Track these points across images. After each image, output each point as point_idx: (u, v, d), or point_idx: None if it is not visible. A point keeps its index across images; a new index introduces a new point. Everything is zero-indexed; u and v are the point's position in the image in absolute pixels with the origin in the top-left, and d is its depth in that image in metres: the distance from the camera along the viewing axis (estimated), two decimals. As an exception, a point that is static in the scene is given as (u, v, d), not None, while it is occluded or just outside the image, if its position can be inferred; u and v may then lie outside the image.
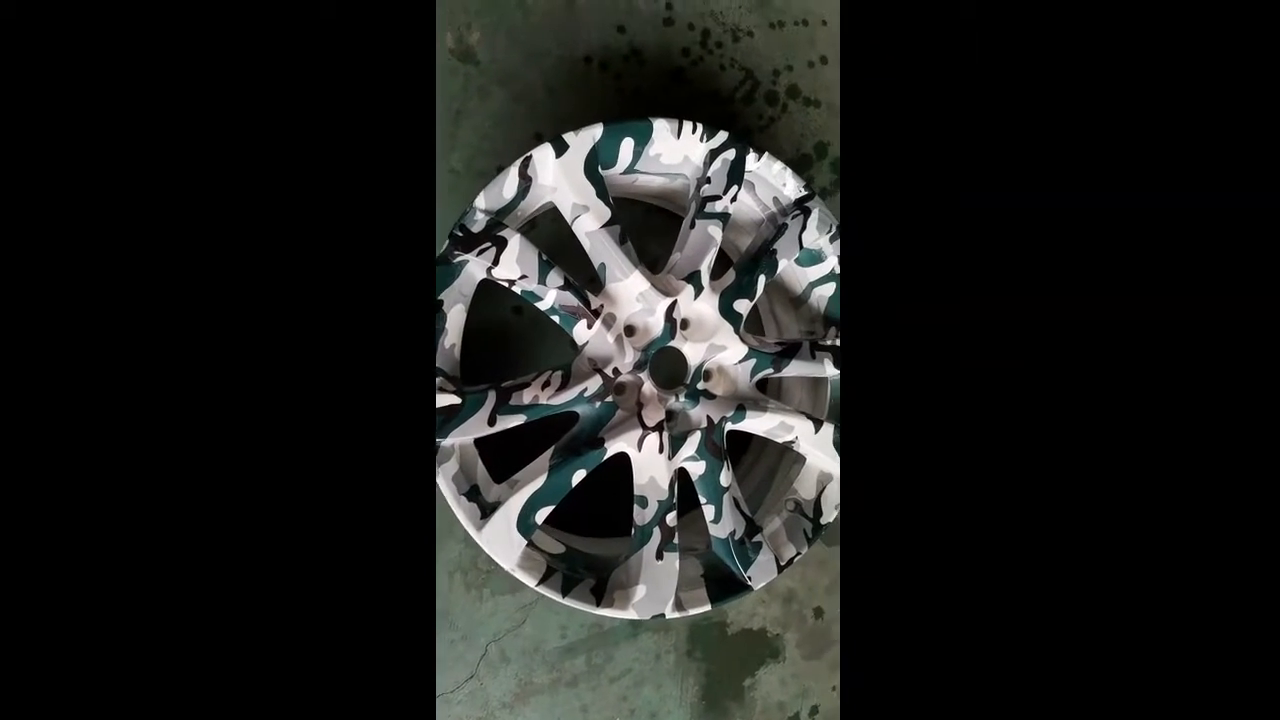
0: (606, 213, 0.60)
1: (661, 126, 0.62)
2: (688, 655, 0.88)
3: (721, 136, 0.64)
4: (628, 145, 0.62)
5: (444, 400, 0.56)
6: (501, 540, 0.57)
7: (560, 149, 0.59)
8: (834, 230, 0.69)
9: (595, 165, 0.60)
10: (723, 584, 0.65)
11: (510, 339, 0.79)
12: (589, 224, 0.60)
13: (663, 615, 0.61)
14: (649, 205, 0.82)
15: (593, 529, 0.73)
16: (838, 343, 0.69)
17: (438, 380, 0.57)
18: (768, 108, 0.91)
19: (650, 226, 0.83)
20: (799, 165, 0.93)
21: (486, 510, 0.57)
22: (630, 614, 0.60)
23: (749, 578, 0.65)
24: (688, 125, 0.63)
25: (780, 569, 0.66)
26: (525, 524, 0.57)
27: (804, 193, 0.68)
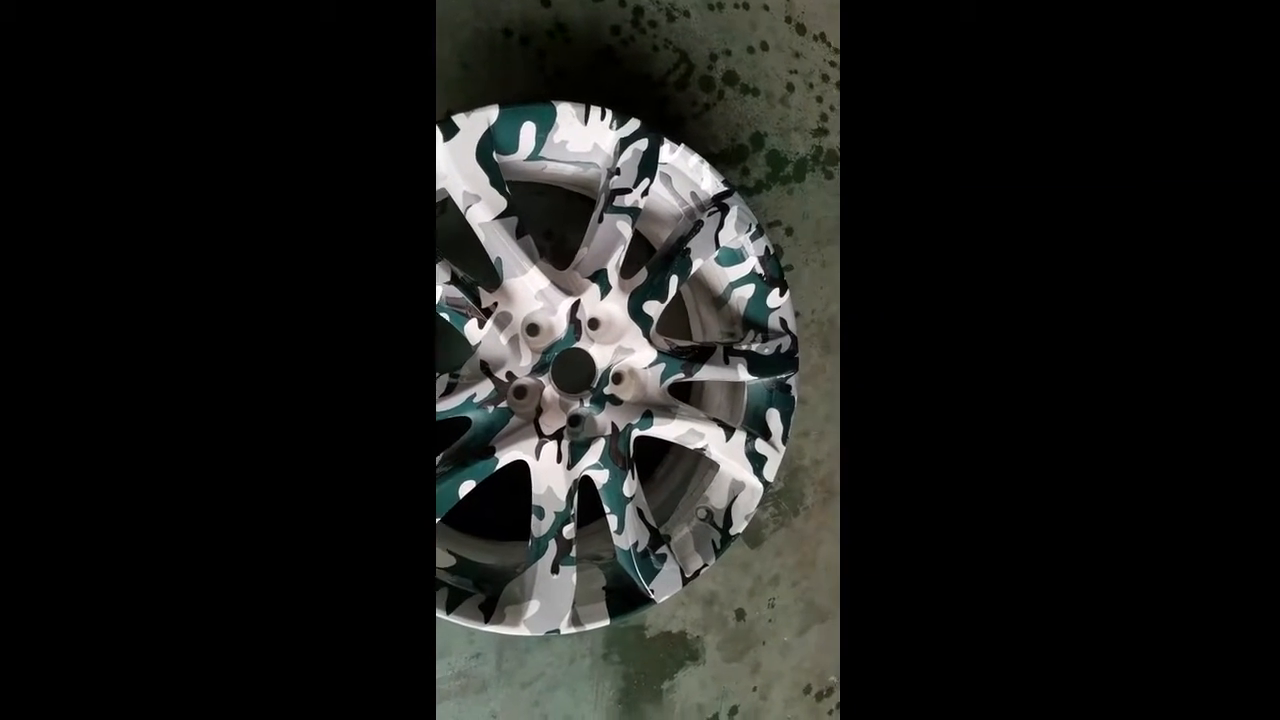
0: (502, 203, 0.55)
1: (566, 111, 0.57)
2: (604, 659, 0.86)
3: (633, 125, 0.60)
4: (529, 130, 0.57)
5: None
6: (376, 556, 0.53)
7: (449, 132, 0.54)
8: (754, 229, 0.66)
9: (489, 151, 0.55)
10: (625, 596, 0.63)
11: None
12: (481, 215, 0.55)
13: (557, 631, 0.58)
14: (570, 192, 0.77)
15: (498, 533, 0.69)
16: (753, 348, 0.66)
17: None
18: (703, 94, 0.87)
19: (572, 214, 0.78)
20: (733, 156, 0.89)
21: (362, 523, 0.53)
22: (522, 630, 0.57)
23: (651, 590, 0.62)
24: (595, 111, 0.58)
25: (685, 581, 0.63)
26: (403, 538, 0.53)
27: (723, 188, 0.64)
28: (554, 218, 0.78)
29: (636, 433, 0.62)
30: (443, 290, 0.55)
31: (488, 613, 0.57)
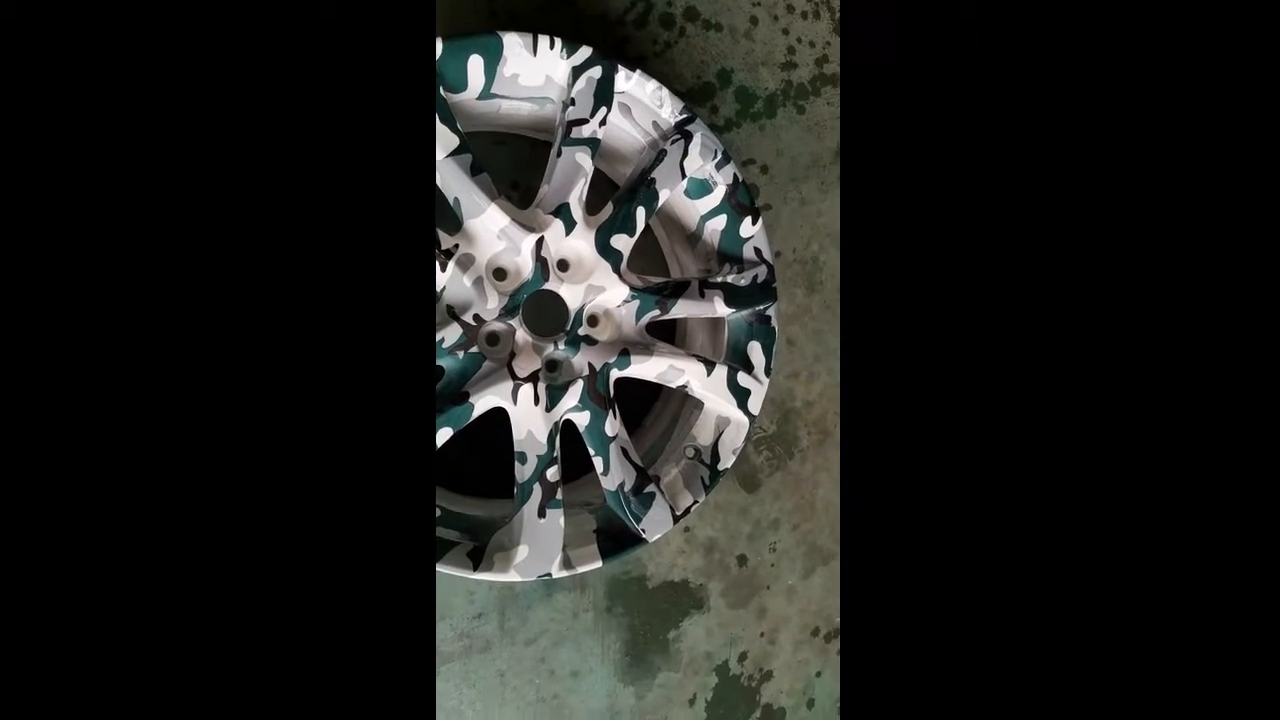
0: (453, 140, 0.54)
1: (513, 41, 0.55)
2: (607, 611, 0.86)
3: (585, 52, 0.58)
4: (476, 64, 0.55)
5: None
6: (355, 508, 0.52)
7: (392, 68, 0.52)
8: (720, 155, 0.64)
9: (438, 88, 0.53)
10: (616, 538, 0.62)
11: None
12: (436, 153, 0.53)
13: (549, 575, 0.58)
14: (534, 140, 0.75)
15: (491, 492, 0.69)
16: (729, 279, 0.65)
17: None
18: (663, 31, 0.85)
19: (536, 162, 0.76)
20: (700, 94, 0.87)
21: (338, 477, 0.52)
22: (512, 576, 0.57)
23: (642, 530, 0.61)
24: (544, 40, 0.56)
25: (676, 519, 0.63)
26: (382, 489, 0.52)
27: (683, 115, 0.62)
28: (518, 168, 0.76)
29: (615, 373, 0.61)
30: (400, 235, 0.53)
31: (476, 560, 0.56)
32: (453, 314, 0.55)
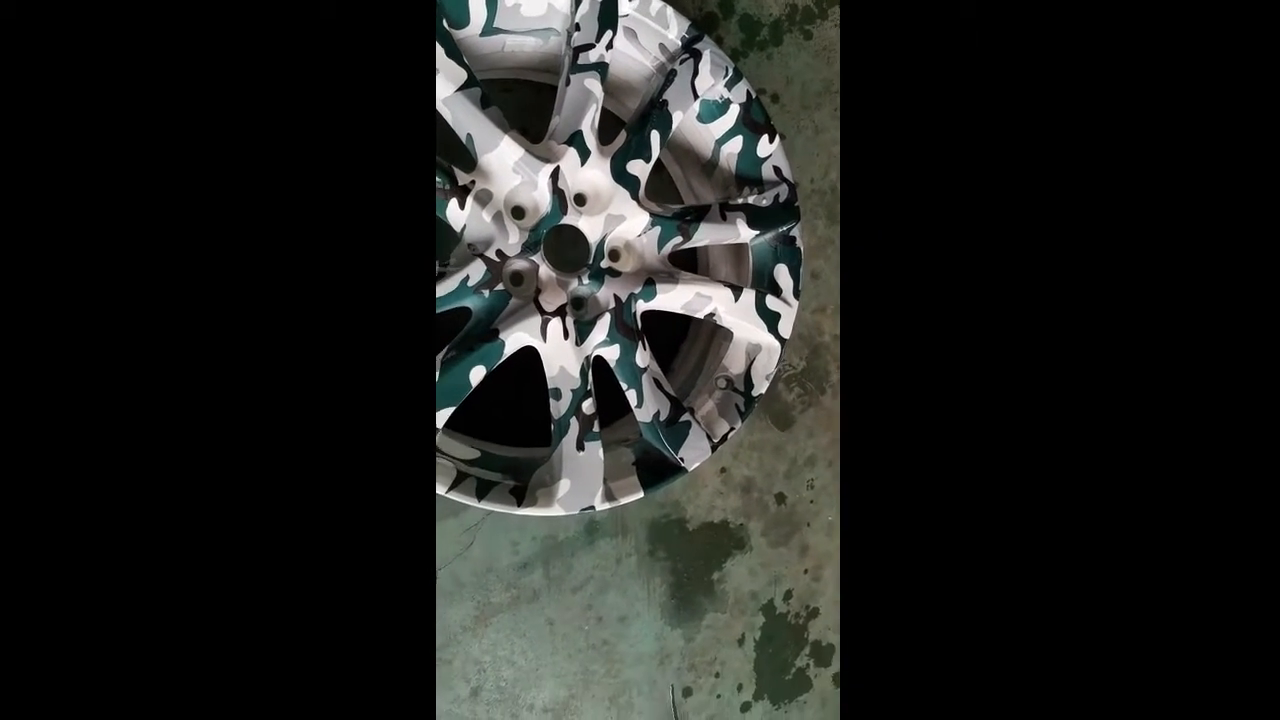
0: (462, 74, 0.53)
1: (512, -33, 0.54)
2: (650, 555, 0.86)
3: (586, -26, 0.57)
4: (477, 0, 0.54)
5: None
6: (397, 448, 0.53)
7: (393, 2, 0.52)
8: (730, 73, 0.62)
9: (440, 21, 0.53)
10: (655, 469, 0.62)
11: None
12: (443, 89, 0.53)
13: (592, 508, 0.59)
14: (539, 85, 0.74)
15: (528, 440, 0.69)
16: (750, 200, 0.64)
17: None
18: (661, -38, 0.82)
19: (542, 107, 0.75)
20: (704, 25, 0.85)
21: (378, 419, 0.53)
22: (556, 510, 0.57)
23: (681, 459, 0.62)
24: (544, -36, 0.55)
25: (714, 446, 0.63)
26: (421, 428, 0.53)
27: (691, 34, 0.61)
28: (526, 115, 0.75)
29: (641, 304, 0.60)
30: (417, 174, 0.53)
31: (519, 497, 0.57)
32: (475, 251, 0.55)
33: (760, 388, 0.65)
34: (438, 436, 0.55)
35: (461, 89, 0.53)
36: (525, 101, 0.76)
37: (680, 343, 0.79)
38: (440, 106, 0.54)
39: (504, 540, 0.81)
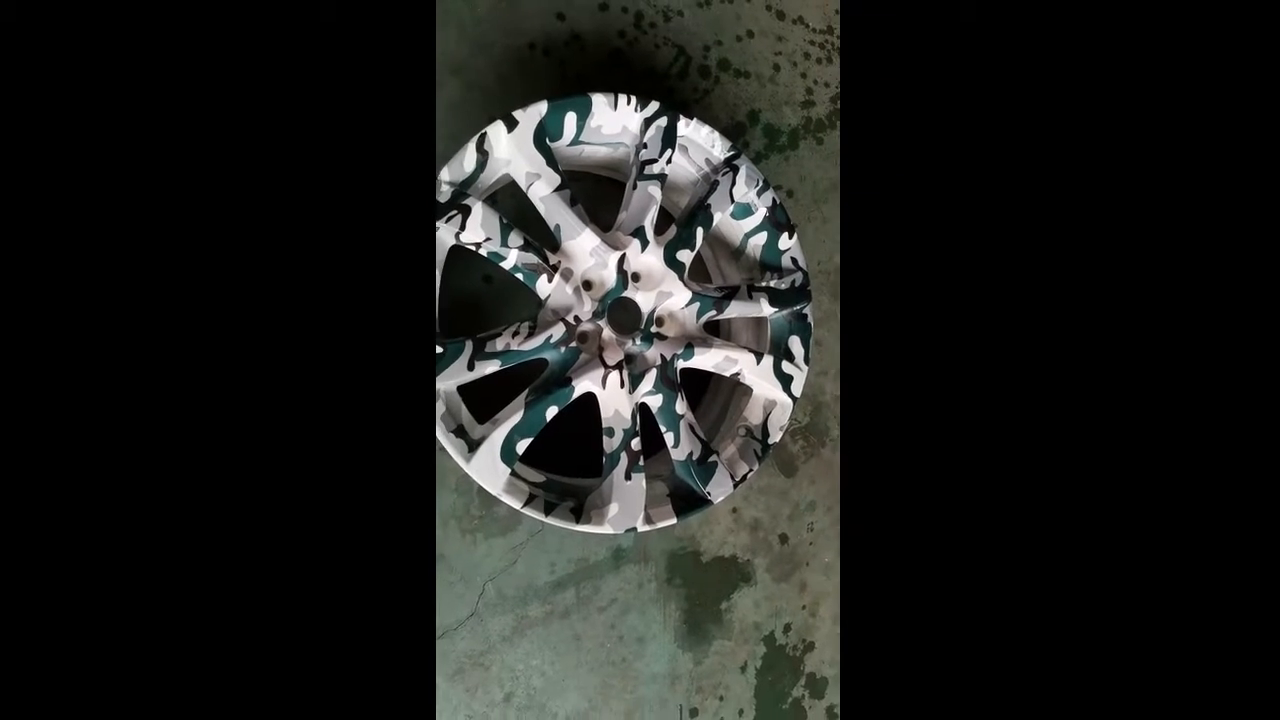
0: (557, 179, 0.69)
1: (599, 100, 0.72)
2: (668, 583, 0.98)
3: (654, 106, 0.74)
4: (571, 119, 0.71)
5: (427, 351, 0.65)
6: (488, 469, 0.66)
7: (511, 125, 0.68)
8: (761, 184, 0.79)
9: (543, 138, 0.69)
10: (686, 499, 0.76)
11: (482, 306, 0.88)
12: (542, 189, 0.69)
13: (634, 529, 0.72)
14: (599, 176, 0.91)
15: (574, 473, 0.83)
16: (771, 284, 0.80)
17: (420, 335, 0.66)
18: (701, 81, 1.01)
19: (602, 195, 0.92)
20: (733, 132, 1.03)
21: (473, 445, 0.67)
22: (606, 529, 0.70)
23: (709, 493, 0.75)
24: (623, 98, 0.72)
25: (736, 484, 0.77)
26: (508, 454, 0.67)
27: (732, 152, 0.78)
28: (587, 199, 0.92)
29: (681, 363, 0.75)
30: (517, 255, 0.69)
31: (577, 515, 0.70)
32: (558, 316, 0.70)
33: (775, 437, 0.80)
34: (515, 464, 0.68)
35: (556, 190, 0.69)
36: (588, 190, 0.93)
37: (702, 395, 0.94)
38: (538, 202, 0.70)
39: (543, 561, 0.93)
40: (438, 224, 0.67)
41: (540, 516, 0.69)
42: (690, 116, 0.74)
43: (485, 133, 0.68)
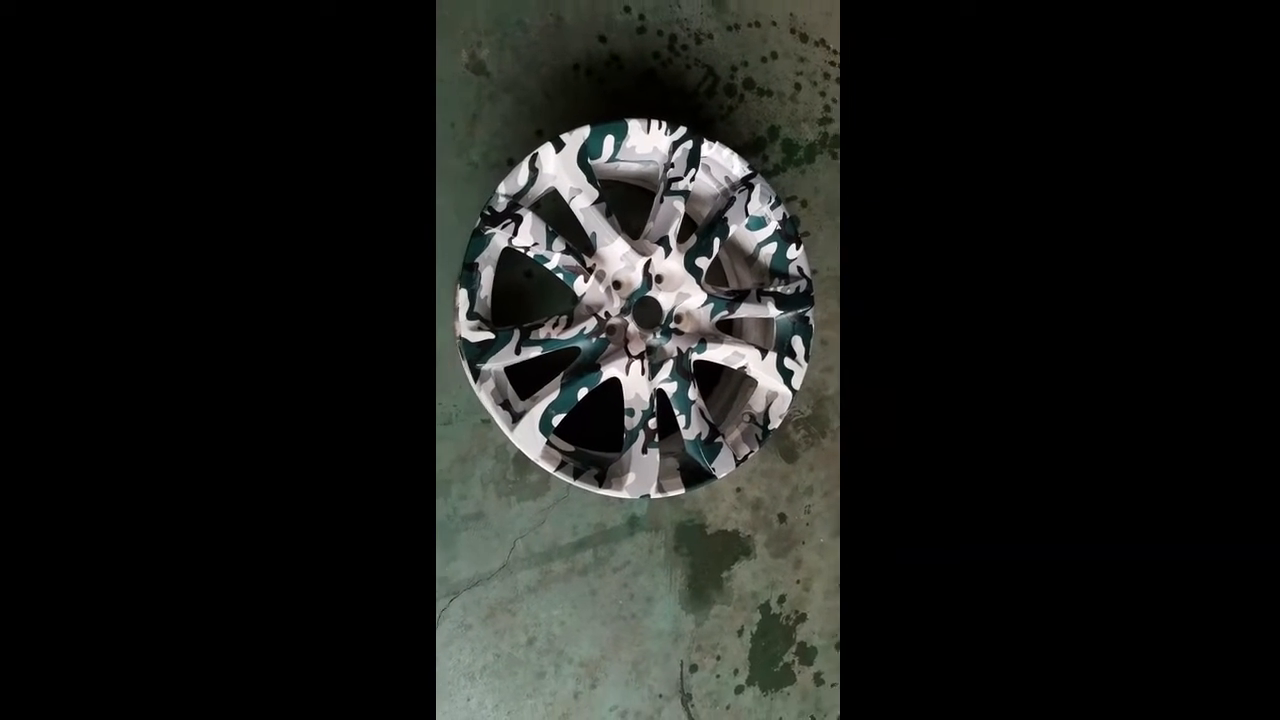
0: (595, 193, 0.82)
1: (634, 125, 0.84)
2: (675, 550, 1.12)
3: (682, 130, 0.86)
4: (609, 141, 0.84)
5: (482, 335, 0.79)
6: (528, 437, 0.80)
7: (559, 146, 0.81)
8: (774, 200, 0.91)
9: (585, 157, 0.82)
10: (694, 474, 0.89)
11: (523, 296, 1.02)
12: (582, 202, 0.82)
13: (648, 495, 0.85)
14: (630, 185, 1.04)
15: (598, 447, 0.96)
16: (778, 289, 0.92)
17: (476, 321, 0.79)
18: (727, 99, 1.13)
19: (632, 202, 1.05)
20: (754, 147, 1.15)
21: (516, 417, 0.80)
22: (625, 494, 0.84)
23: (713, 469, 0.88)
24: (655, 123, 0.85)
25: (738, 463, 0.89)
26: (545, 426, 0.80)
27: (748, 172, 0.90)
28: (620, 206, 1.05)
29: (695, 356, 0.88)
30: (559, 257, 0.82)
31: (600, 480, 0.84)
32: (590, 311, 0.84)
33: (775, 424, 0.92)
34: (550, 435, 0.82)
35: (594, 203, 0.82)
36: (620, 197, 1.06)
37: (714, 385, 1.06)
38: (578, 213, 0.83)
39: (567, 523, 1.07)
40: (494, 230, 0.80)
41: (569, 480, 0.83)
42: (715, 135, 0.86)
43: (537, 152, 0.81)
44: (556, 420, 0.81)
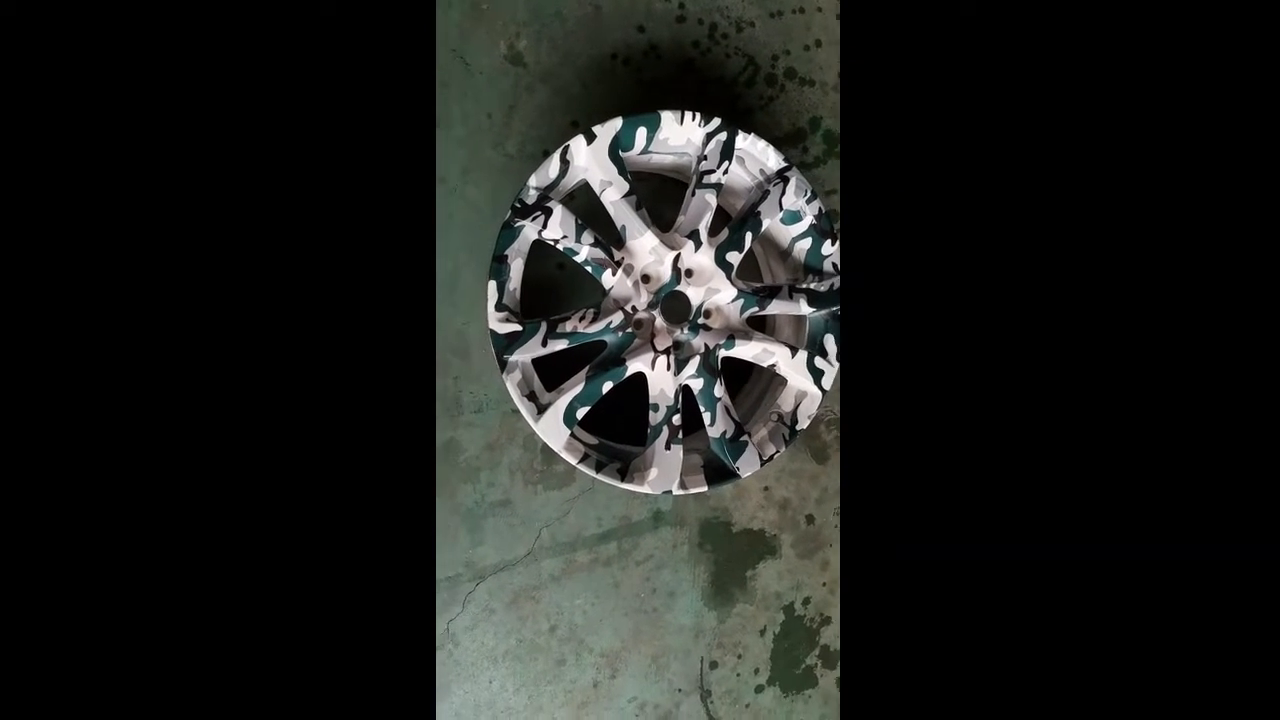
0: (626, 186, 0.82)
1: (668, 117, 0.83)
2: (699, 547, 1.12)
3: (716, 122, 0.85)
4: (642, 133, 0.83)
5: (509, 327, 0.80)
6: (552, 429, 0.81)
7: (590, 138, 0.81)
8: (809, 194, 0.89)
9: (617, 149, 0.82)
10: (718, 471, 0.88)
11: (555, 288, 1.02)
12: (613, 195, 0.82)
13: (670, 492, 0.85)
14: (664, 177, 1.03)
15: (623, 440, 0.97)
16: (811, 286, 0.90)
17: (505, 313, 0.80)
18: (767, 89, 1.11)
19: (665, 194, 1.04)
20: (795, 138, 1.12)
21: (541, 409, 0.81)
22: (646, 489, 0.84)
23: (737, 468, 0.87)
24: (689, 114, 0.84)
25: (763, 463, 0.88)
26: (569, 418, 0.81)
27: (784, 164, 0.88)
28: (652, 197, 1.04)
29: (723, 352, 0.87)
30: (588, 250, 0.82)
31: (623, 475, 0.84)
32: (618, 305, 0.84)
33: (802, 424, 0.91)
34: (574, 427, 0.82)
35: (624, 196, 0.82)
36: (653, 189, 1.05)
37: (743, 383, 1.05)
38: (608, 205, 0.83)
39: (591, 515, 1.08)
40: (524, 222, 0.80)
41: (591, 473, 0.84)
42: (753, 126, 0.84)
43: (568, 145, 0.81)
44: (581, 413, 0.82)
